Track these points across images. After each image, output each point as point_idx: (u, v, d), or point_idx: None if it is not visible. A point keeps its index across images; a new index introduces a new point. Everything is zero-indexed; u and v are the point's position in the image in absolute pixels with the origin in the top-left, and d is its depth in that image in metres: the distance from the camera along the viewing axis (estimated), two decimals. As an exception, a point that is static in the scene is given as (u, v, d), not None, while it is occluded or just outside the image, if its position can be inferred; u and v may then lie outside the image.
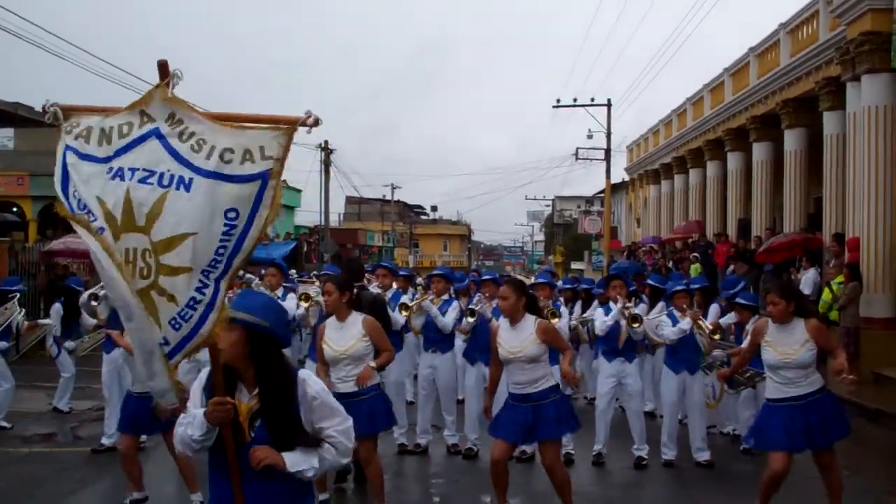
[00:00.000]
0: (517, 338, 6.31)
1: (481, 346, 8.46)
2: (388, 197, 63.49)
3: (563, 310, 9.21)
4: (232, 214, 3.14)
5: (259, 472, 3.30)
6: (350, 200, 64.21)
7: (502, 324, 6.49)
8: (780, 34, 19.56)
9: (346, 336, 6.42)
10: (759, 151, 21.34)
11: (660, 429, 9.09)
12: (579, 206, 61.23)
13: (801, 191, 19.08)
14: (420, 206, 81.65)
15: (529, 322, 6.34)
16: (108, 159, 3.23)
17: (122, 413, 7.04)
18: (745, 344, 6.86)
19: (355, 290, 7.35)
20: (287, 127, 3.19)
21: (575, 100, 36.80)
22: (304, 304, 8.78)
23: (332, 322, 6.56)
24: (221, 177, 3.13)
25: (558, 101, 36.92)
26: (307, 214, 48.25)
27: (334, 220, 59.46)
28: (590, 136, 38.57)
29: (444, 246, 79.46)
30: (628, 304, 8.50)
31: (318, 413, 3.46)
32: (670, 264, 24.51)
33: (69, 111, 3.38)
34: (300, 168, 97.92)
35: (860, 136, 14.49)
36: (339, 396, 6.47)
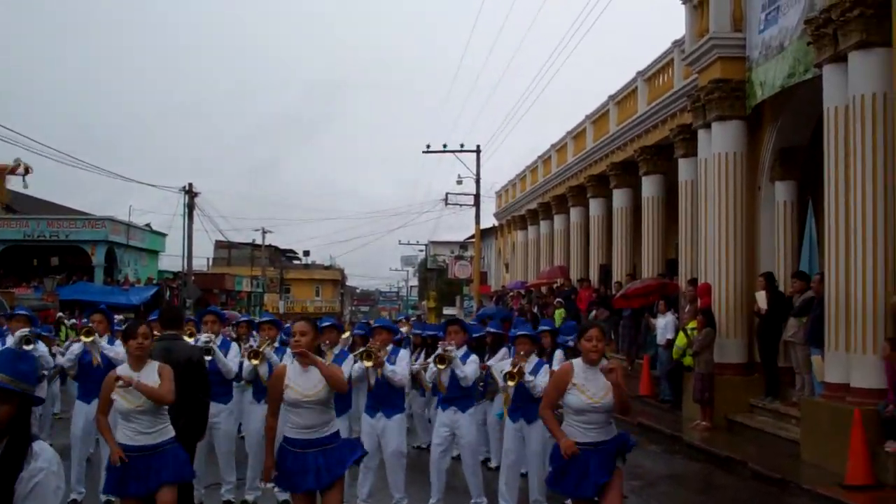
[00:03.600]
0: (310, 380, 5.84)
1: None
2: (259, 241, 62.13)
3: (403, 353, 8.62)
4: None
5: None
6: (219, 244, 62.40)
7: (291, 366, 5.97)
8: (638, 82, 19.88)
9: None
10: (619, 198, 21.52)
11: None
12: (452, 251, 61.30)
13: (660, 236, 19.23)
14: (292, 251, 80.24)
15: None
16: None
17: None
18: (548, 387, 6.43)
19: (172, 339, 7.03)
20: None
21: (444, 145, 36.89)
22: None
23: (125, 370, 6.09)
24: None
25: (428, 146, 36.94)
26: (172, 259, 46.50)
27: (202, 265, 57.68)
28: (459, 182, 38.71)
29: (316, 291, 78.11)
30: (448, 347, 8.09)
31: (32, 493, 3.01)
32: (535, 309, 24.45)
33: None
34: (166, 212, 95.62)
35: (710, 183, 14.61)
36: (134, 450, 5.88)
